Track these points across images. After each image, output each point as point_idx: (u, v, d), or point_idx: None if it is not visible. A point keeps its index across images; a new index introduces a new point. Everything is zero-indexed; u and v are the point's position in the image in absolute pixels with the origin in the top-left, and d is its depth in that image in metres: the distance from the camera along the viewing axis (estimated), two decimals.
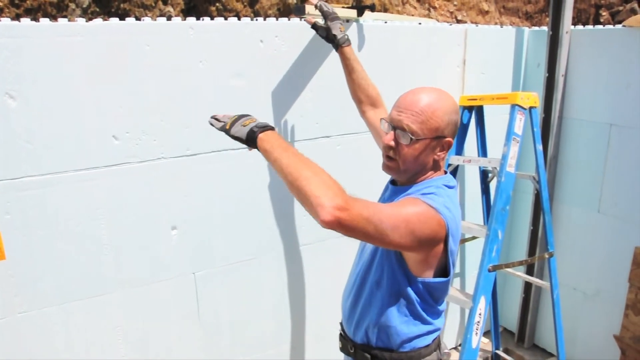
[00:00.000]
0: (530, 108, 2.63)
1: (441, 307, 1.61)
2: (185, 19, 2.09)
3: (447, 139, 1.48)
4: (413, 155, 1.46)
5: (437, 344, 1.64)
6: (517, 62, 3.13)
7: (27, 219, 1.93)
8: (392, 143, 1.48)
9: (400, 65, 2.67)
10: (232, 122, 1.55)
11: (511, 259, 3.39)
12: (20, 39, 1.78)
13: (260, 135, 1.43)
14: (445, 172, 1.59)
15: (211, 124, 1.64)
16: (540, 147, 2.72)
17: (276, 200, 2.48)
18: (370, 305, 1.58)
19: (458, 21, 4.00)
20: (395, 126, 1.47)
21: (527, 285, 3.35)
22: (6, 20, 1.77)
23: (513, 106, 2.59)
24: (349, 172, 2.59)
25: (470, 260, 3.32)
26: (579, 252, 3.10)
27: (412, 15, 3.93)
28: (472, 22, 3.95)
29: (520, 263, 2.93)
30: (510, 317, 3.59)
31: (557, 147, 3.05)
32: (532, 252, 3.23)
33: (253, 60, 2.25)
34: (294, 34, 2.33)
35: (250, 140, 1.46)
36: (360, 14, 2.43)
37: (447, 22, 3.38)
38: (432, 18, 3.91)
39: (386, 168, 1.55)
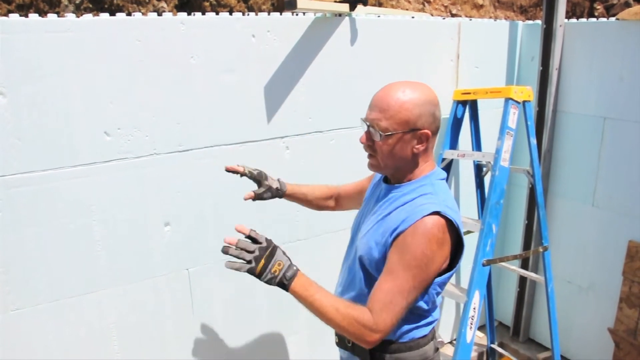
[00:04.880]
0: (524, 102, 2.63)
1: (438, 300, 1.63)
2: (177, 15, 2.08)
3: (423, 130, 1.45)
4: (388, 150, 1.47)
5: (433, 334, 1.67)
6: (511, 56, 3.13)
7: (18, 217, 1.92)
8: (365, 141, 1.51)
9: (393, 60, 2.67)
10: (262, 269, 1.40)
11: (506, 253, 3.40)
12: (10, 34, 1.77)
13: (291, 287, 1.44)
14: (435, 165, 1.60)
15: (232, 267, 1.41)
16: (534, 141, 2.71)
17: None
18: None
19: (452, 15, 3.98)
20: (368, 124, 1.48)
21: (522, 279, 3.36)
22: None
23: (507, 100, 2.58)
24: (343, 166, 2.59)
25: (465, 255, 3.31)
26: (573, 245, 3.11)
27: (407, 9, 3.91)
28: (466, 16, 3.94)
29: (515, 257, 2.93)
30: (506, 311, 3.60)
31: (551, 141, 3.05)
32: (527, 246, 3.23)
33: (245, 56, 2.25)
34: (286, 29, 2.32)
35: (281, 287, 1.45)
36: (352, 8, 2.41)
37: (441, 16, 3.37)
38: (426, 12, 3.90)
39: (370, 166, 1.57)
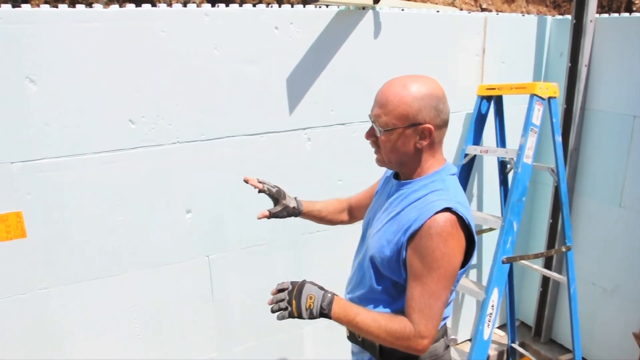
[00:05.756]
0: (550, 98, 2.59)
1: (451, 297, 1.61)
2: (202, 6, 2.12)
3: (425, 125, 1.43)
4: (390, 146, 1.47)
5: (444, 331, 1.66)
6: (539, 52, 3.07)
7: (46, 200, 2.00)
8: (368, 138, 1.52)
9: (417, 54, 2.66)
10: (298, 309, 1.47)
11: (530, 252, 3.35)
12: (40, 25, 1.84)
13: (332, 314, 1.48)
14: (445, 160, 1.58)
15: (282, 319, 1.50)
16: (559, 139, 2.67)
17: (289, 186, 2.49)
18: (381, 302, 1.59)
19: (483, 9, 3.93)
20: (372, 120, 1.49)
21: (545, 279, 3.31)
22: (26, 7, 1.83)
23: (531, 96, 2.55)
24: (364, 159, 2.59)
25: (487, 252, 3.29)
26: (599, 246, 3.04)
27: (436, 3, 3.88)
28: (497, 11, 3.88)
29: (536, 256, 2.89)
30: (528, 311, 3.55)
31: (578, 139, 2.99)
32: (551, 245, 3.18)
33: (268, 47, 2.27)
34: (309, 21, 2.33)
35: (323, 317, 1.50)
36: (376, 1, 2.41)
37: (471, 10, 3.33)
38: (456, 6, 3.86)
39: (376, 161, 1.57)
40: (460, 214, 1.40)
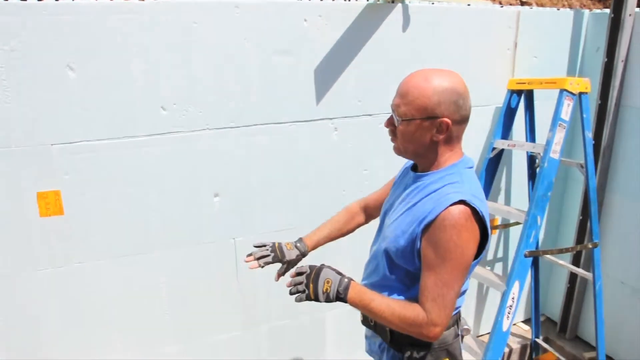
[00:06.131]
0: (580, 94, 2.55)
1: (464, 287, 1.64)
2: None
3: (442, 119, 1.44)
4: (407, 136, 1.50)
5: (455, 320, 1.69)
6: (574, 47, 3.01)
7: (82, 180, 2.14)
8: (387, 126, 1.56)
9: (446, 47, 2.66)
10: (315, 292, 1.54)
11: (559, 247, 3.32)
12: (80, 16, 1.96)
13: (348, 298, 1.53)
14: (463, 154, 1.60)
15: (300, 301, 1.56)
16: (589, 135, 2.63)
17: (314, 172, 2.57)
18: (395, 290, 1.64)
19: (523, 3, 3.85)
20: (393, 109, 1.53)
21: (573, 276, 3.27)
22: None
23: (561, 91, 2.52)
24: (391, 150, 2.62)
25: (513, 246, 3.28)
26: (630, 245, 2.99)
27: None
28: (537, 5, 3.80)
29: (560, 251, 2.86)
30: (554, 307, 3.52)
31: (612, 136, 2.93)
32: (580, 241, 3.14)
33: (296, 39, 2.33)
34: (337, 14, 2.37)
35: (340, 300, 1.55)
36: None
37: (511, 4, 3.28)
38: (494, 0, 3.79)
39: (394, 149, 1.60)
40: (475, 207, 1.43)
